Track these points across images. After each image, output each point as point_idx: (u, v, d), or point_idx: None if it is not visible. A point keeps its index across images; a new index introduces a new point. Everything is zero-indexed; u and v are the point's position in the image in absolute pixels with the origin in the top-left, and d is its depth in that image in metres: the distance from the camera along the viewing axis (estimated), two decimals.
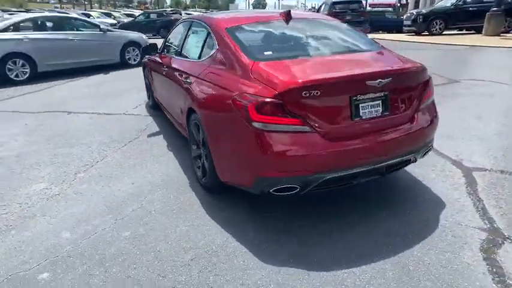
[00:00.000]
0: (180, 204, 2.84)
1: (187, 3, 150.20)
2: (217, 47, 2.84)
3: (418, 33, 16.60)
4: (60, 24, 8.61)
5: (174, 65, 3.69)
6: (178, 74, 3.39)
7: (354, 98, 2.26)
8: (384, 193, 2.96)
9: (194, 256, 2.24)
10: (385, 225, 2.51)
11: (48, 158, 3.80)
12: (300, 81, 2.13)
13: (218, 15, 3.46)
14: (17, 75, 7.61)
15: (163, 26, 21.43)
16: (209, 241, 2.39)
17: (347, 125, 2.28)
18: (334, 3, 16.16)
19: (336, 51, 2.77)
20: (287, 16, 3.08)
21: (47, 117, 5.32)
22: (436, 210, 2.68)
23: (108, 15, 29.79)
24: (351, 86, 2.25)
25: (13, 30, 7.64)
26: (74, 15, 12.15)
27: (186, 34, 3.72)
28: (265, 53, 2.65)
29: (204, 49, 3.12)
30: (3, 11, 24.57)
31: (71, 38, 8.35)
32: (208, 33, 3.08)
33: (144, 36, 10.21)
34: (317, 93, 2.13)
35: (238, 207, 2.76)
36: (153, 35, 20.81)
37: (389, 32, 19.61)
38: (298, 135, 2.16)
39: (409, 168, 3.30)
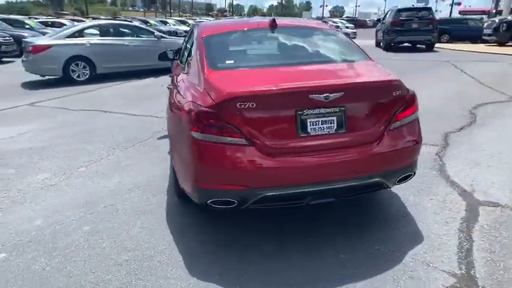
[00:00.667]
0: (148, 206, 2.95)
1: (265, 10, 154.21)
2: (192, 54, 2.90)
3: (500, 44, 14.92)
4: (119, 30, 9.46)
5: (174, 72, 3.85)
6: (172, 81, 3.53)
7: (300, 113, 2.14)
8: (360, 219, 2.73)
9: (130, 258, 2.31)
10: (341, 255, 2.31)
11: (64, 152, 4.20)
12: (234, 92, 2.08)
13: (211, 22, 3.52)
14: (78, 76, 8.54)
15: None
16: (152, 245, 2.44)
17: (291, 141, 2.16)
18: (400, 10, 15.24)
19: (302, 62, 2.66)
20: (272, 24, 3.03)
21: (85, 115, 5.89)
22: (408, 245, 2.40)
23: (184, 22, 31.82)
24: (295, 99, 2.13)
25: (78, 36, 8.61)
26: (134, 23, 13.23)
27: (187, 41, 3.86)
28: (227, 61, 2.64)
29: (187, 57, 3.21)
30: (94, 18, 27.79)
31: (126, 43, 9.12)
32: (193, 41, 3.16)
33: None
34: (253, 105, 2.06)
35: (200, 216, 2.77)
36: None
37: (474, 42, 17.52)
38: (235, 148, 2.11)
39: (403, 193, 3.01)
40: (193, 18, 41.76)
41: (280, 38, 2.97)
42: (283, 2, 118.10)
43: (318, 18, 65.37)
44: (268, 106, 2.11)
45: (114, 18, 28.48)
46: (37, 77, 8.76)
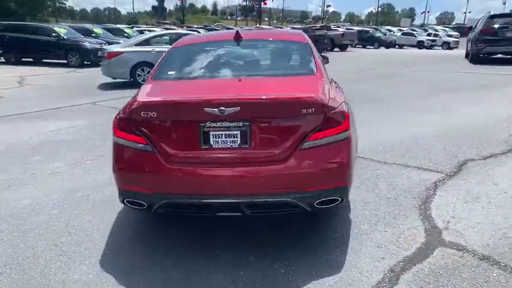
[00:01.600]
0: (112, 200, 3.26)
1: (363, 17, 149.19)
2: None
3: None
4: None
5: None
6: None
7: (202, 125, 2.20)
8: (292, 238, 2.64)
9: (66, 241, 2.64)
10: (240, 271, 2.29)
11: (88, 146, 4.84)
12: (141, 101, 2.26)
13: (195, 34, 3.73)
14: (143, 80, 9.56)
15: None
16: (84, 240, 2.68)
17: (194, 152, 2.24)
18: (493, 16, 13.42)
19: (240, 75, 2.70)
20: (236, 37, 3.11)
21: None
22: (318, 273, 2.26)
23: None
24: (194, 111, 2.20)
25: (145, 44, 9.65)
26: (194, 32, 14.14)
27: None
28: (169, 72, 2.81)
29: None
30: (188, 27, 30.52)
31: None
32: None
33: None
34: (154, 114, 2.20)
35: (148, 216, 2.99)
36: None
37: None
38: (142, 154, 2.28)
39: (358, 220, 2.83)
40: (280, 25, 42.44)
41: (238, 50, 3.04)
42: (382, 8, 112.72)
43: (420, 26, 61.17)
44: (170, 116, 2.23)
45: (205, 27, 30.84)
46: (111, 80, 10.06)
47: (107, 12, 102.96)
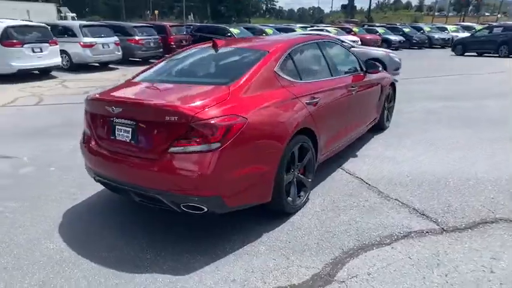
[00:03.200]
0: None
1: None
2: None
3: None
4: None
5: None
6: None
7: (112, 120, 2.69)
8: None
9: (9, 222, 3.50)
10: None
11: None
12: (87, 96, 2.92)
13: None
14: None
15: (505, 43, 18.13)
16: (40, 222, 3.00)
17: (107, 141, 2.76)
18: None
19: (163, 80, 3.10)
20: (213, 45, 3.39)
21: None
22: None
23: (442, 29, 28.41)
24: (103, 108, 2.69)
25: None
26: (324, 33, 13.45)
27: None
28: (141, 75, 3.31)
29: None
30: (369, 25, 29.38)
31: None
32: None
33: (392, 53, 10.11)
34: (88, 109, 2.83)
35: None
36: (492, 53, 18.40)
37: None
38: (88, 138, 2.96)
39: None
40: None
41: (203, 58, 3.32)
42: None
43: None
44: (95, 110, 2.81)
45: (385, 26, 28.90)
46: None
47: (311, 11, 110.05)
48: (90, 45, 12.04)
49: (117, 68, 13.44)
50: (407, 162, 4.14)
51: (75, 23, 12.83)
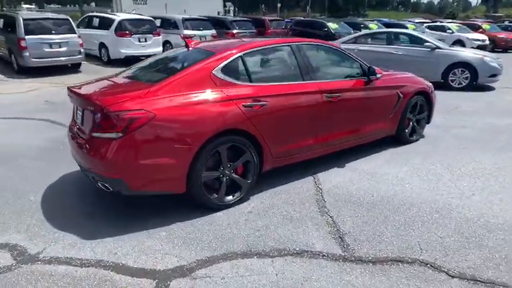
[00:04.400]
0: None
1: None
2: None
3: None
4: (395, 38, 9.55)
5: None
6: None
7: (76, 107, 3.28)
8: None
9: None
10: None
11: None
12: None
13: None
14: None
15: None
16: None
17: (75, 126, 3.35)
18: None
19: (135, 77, 3.45)
20: (186, 46, 3.68)
21: None
22: None
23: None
24: (72, 98, 3.26)
25: (352, 42, 9.84)
26: (409, 31, 11.41)
27: None
28: (131, 68, 3.77)
29: None
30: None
31: (393, 51, 9.20)
32: None
33: (489, 57, 8.55)
34: (70, 100, 3.47)
35: None
36: None
37: None
38: (71, 124, 3.61)
39: None
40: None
41: (170, 57, 3.62)
42: None
43: None
44: (72, 102, 3.40)
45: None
46: None
47: (455, 3, 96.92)
48: (189, 37, 13.49)
49: None
50: (389, 183, 3.71)
51: (178, 17, 14.50)
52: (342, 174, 3.92)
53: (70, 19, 10.74)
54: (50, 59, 9.91)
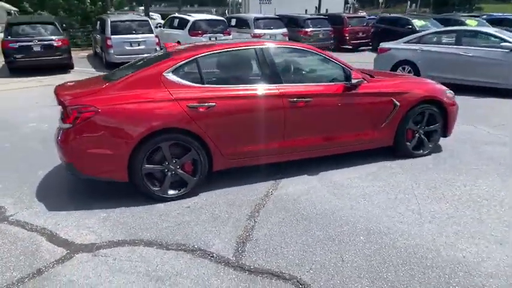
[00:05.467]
0: None
1: None
2: None
3: None
4: (466, 37, 8.31)
5: None
6: None
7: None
8: None
9: None
10: None
11: None
12: None
13: None
14: None
15: None
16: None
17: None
18: None
19: (112, 78, 3.78)
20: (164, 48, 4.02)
21: None
22: None
23: None
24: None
25: (416, 42, 8.90)
26: (485, 29, 9.07)
27: None
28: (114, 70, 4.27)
29: None
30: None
31: (461, 52, 8.05)
32: None
33: None
34: None
35: None
36: None
37: None
38: None
39: None
40: None
41: (146, 58, 3.96)
42: None
43: None
44: None
45: None
46: None
47: None
48: (258, 36, 13.88)
49: None
50: (347, 197, 3.47)
51: (251, 16, 14.97)
52: (306, 182, 3.79)
53: (149, 20, 12.12)
54: (130, 56, 11.38)
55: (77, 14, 18.67)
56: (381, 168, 4.11)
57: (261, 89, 3.59)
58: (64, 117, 3.26)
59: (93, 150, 3.22)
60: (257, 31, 13.90)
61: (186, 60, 3.48)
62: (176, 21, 13.86)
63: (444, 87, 4.54)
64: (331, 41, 15.63)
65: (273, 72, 3.69)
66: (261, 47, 3.75)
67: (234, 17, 15.45)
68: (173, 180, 3.46)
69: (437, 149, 4.62)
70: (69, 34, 14.65)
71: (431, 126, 4.41)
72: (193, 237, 2.89)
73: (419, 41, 9.00)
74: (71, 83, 3.93)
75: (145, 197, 3.42)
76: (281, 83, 3.67)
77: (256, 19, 14.36)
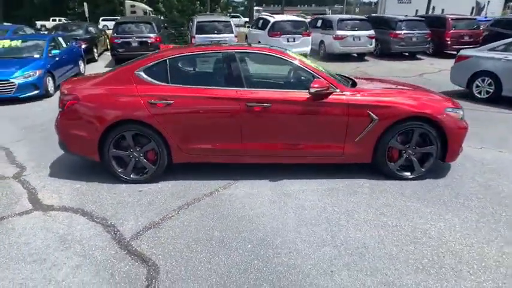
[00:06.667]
0: None
1: None
2: None
3: None
4: None
5: None
6: None
7: None
8: None
9: None
10: None
11: None
12: None
13: None
14: (480, 93, 7.84)
15: None
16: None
17: None
18: None
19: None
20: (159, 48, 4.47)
21: None
22: None
23: None
24: None
25: (502, 50, 7.47)
26: None
27: None
28: None
29: None
30: None
31: None
32: None
33: None
34: None
35: None
36: None
37: None
38: None
39: None
40: None
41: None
42: None
43: None
44: None
45: None
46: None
47: None
48: (340, 38, 13.46)
49: (368, 60, 14.04)
50: (277, 210, 3.40)
51: (335, 17, 14.47)
52: (259, 187, 3.82)
53: (231, 21, 12.94)
54: None
55: (188, 14, 20.97)
56: (349, 185, 3.82)
57: (220, 91, 3.77)
58: (59, 103, 4.03)
59: (75, 131, 3.91)
60: (339, 32, 13.48)
61: (156, 61, 3.89)
62: (261, 22, 14.44)
63: (448, 104, 3.92)
64: (427, 45, 14.13)
65: (236, 76, 3.80)
66: (228, 51, 3.90)
67: (320, 18, 15.25)
68: (138, 166, 3.94)
69: (440, 174, 4.03)
70: (171, 32, 16.67)
71: (425, 148, 3.87)
72: (119, 215, 3.31)
73: (505, 48, 7.58)
74: (78, 77, 4.82)
75: (113, 176, 3.99)
76: (242, 87, 3.77)
77: (341, 20, 13.91)
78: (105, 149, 3.85)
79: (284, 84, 4.02)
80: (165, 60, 3.89)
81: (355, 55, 14.45)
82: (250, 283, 2.45)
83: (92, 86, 3.93)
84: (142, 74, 3.86)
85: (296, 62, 3.93)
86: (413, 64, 13.13)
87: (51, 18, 33.61)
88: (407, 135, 3.83)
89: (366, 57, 14.39)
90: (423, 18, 15.09)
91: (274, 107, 3.72)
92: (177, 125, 3.78)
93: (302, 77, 3.92)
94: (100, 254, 2.75)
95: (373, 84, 4.46)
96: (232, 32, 12.64)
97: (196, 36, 12.28)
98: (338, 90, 3.76)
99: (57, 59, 8.97)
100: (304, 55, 13.61)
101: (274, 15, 14.21)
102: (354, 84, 4.15)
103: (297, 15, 18.68)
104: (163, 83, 3.84)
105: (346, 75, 4.60)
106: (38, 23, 33.91)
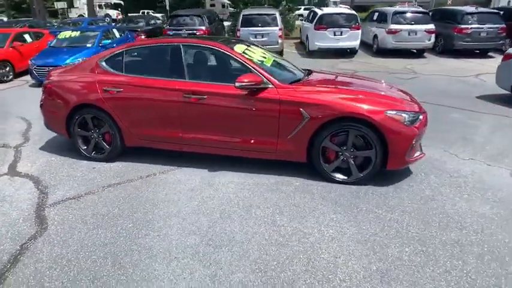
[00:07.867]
0: None
1: None
2: None
3: None
4: None
5: None
6: None
7: None
8: None
9: None
10: None
11: None
12: None
13: None
14: None
15: None
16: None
17: None
18: None
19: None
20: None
21: None
22: None
23: None
24: None
25: None
26: None
27: None
28: None
29: None
30: None
31: None
32: None
33: None
34: None
35: None
36: None
37: None
38: None
39: None
40: None
41: None
42: None
43: None
44: None
45: None
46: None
47: None
48: (394, 32, 12.48)
49: (425, 57, 12.79)
50: (189, 201, 3.55)
51: (390, 10, 13.33)
52: (191, 175, 3.99)
53: (276, 14, 12.91)
54: None
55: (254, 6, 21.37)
56: (278, 182, 3.76)
57: (163, 82, 4.00)
58: (42, 86, 4.70)
59: (50, 111, 4.54)
60: (393, 26, 12.51)
61: (116, 52, 4.28)
62: (311, 15, 14.13)
63: (396, 106, 3.57)
64: (500, 41, 12.30)
65: (179, 68, 3.99)
66: (176, 44, 4.10)
67: (377, 11, 14.29)
68: (99, 146, 4.42)
69: (388, 182, 3.72)
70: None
71: (363, 152, 3.61)
72: (59, 186, 3.81)
73: None
74: (68, 65, 5.47)
75: (78, 153, 4.54)
76: (184, 79, 3.95)
77: (396, 13, 12.86)
78: (71, 128, 4.40)
79: (223, 78, 4.07)
80: (122, 51, 4.27)
81: (414, 51, 13.28)
82: (101, 255, 2.70)
83: (64, 73, 4.51)
84: (104, 63, 4.29)
85: (237, 57, 3.96)
86: (477, 63, 11.54)
87: (141, 11, 37.11)
88: (347, 136, 3.62)
89: (424, 54, 13.13)
90: (499, 11, 13.13)
91: (208, 100, 3.83)
92: (126, 111, 4.14)
93: (237, 70, 3.95)
94: (16, 214, 3.27)
95: (322, 81, 4.24)
96: (277, 25, 12.64)
97: (241, 29, 12.55)
98: (271, 86, 3.71)
99: (107, 47, 10.15)
100: (353, 49, 13.01)
101: (323, 8, 13.79)
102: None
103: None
104: (118, 72, 4.22)
105: (312, 70, 4.55)
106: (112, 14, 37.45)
